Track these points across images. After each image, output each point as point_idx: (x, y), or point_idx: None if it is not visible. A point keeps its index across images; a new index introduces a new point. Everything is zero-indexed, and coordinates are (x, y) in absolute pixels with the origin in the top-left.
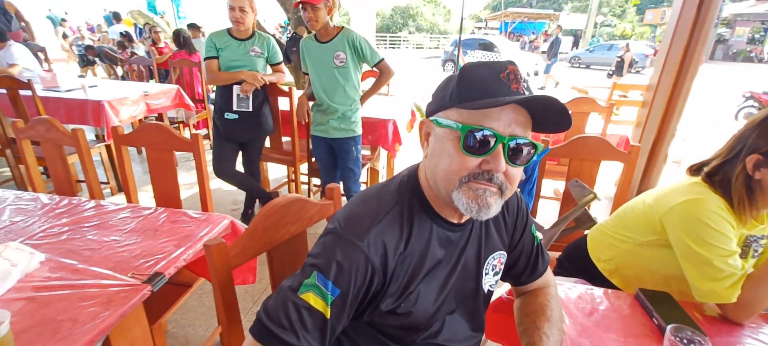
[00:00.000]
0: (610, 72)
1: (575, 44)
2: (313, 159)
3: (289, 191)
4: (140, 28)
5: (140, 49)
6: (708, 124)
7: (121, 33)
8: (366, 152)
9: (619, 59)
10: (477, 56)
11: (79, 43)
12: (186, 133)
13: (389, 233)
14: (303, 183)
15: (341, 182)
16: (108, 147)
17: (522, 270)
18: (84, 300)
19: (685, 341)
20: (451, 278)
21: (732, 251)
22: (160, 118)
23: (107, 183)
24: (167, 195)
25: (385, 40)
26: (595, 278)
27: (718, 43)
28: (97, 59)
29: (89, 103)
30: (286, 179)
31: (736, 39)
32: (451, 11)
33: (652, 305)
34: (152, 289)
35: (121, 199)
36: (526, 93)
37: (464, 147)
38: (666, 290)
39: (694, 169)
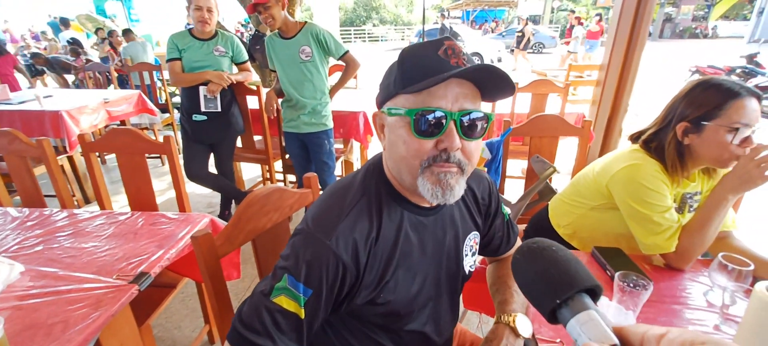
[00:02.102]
0: (512, 48)
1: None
2: (287, 156)
3: None
4: (89, 34)
5: (94, 56)
6: (658, 99)
7: (68, 40)
8: (339, 145)
9: (519, 34)
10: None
11: (24, 52)
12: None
13: (358, 227)
14: (278, 180)
15: (316, 176)
16: (70, 159)
17: (497, 246)
18: (72, 304)
19: (631, 284)
20: (429, 262)
21: (668, 206)
22: (122, 125)
23: (73, 196)
24: (142, 199)
25: (350, 34)
26: (558, 243)
27: (666, 22)
28: (45, 69)
29: (46, 114)
30: (261, 178)
31: (682, 17)
32: (414, 2)
33: (606, 260)
34: (139, 288)
35: (93, 209)
36: (468, 65)
37: (416, 131)
38: (618, 247)
39: (634, 138)
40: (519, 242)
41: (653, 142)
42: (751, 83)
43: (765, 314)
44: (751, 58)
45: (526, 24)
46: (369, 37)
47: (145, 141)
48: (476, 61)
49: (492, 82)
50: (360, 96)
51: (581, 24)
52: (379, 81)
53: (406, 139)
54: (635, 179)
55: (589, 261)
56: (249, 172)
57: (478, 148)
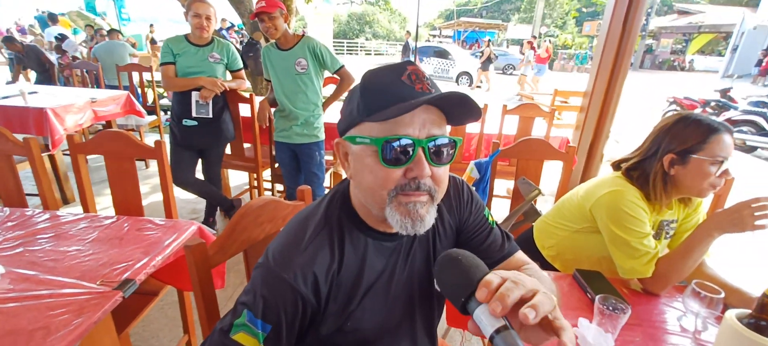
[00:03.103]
0: (479, 67)
1: (522, 53)
2: (277, 165)
3: (251, 198)
4: (76, 30)
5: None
6: (637, 126)
7: (56, 36)
8: (329, 157)
9: (481, 52)
10: (433, 63)
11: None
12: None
13: (319, 259)
14: (266, 189)
15: (310, 189)
16: (51, 157)
17: (486, 249)
18: (53, 309)
19: (610, 307)
20: (398, 286)
21: (647, 233)
22: (107, 126)
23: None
24: (128, 204)
25: (343, 47)
26: (541, 264)
27: (647, 54)
28: (21, 58)
29: (30, 111)
30: (248, 186)
31: (662, 49)
32: (407, 19)
33: (587, 282)
34: (124, 295)
35: (72, 210)
36: (433, 91)
37: (384, 160)
38: (598, 270)
39: (616, 165)
40: (522, 255)
41: (636, 171)
42: (723, 116)
43: (734, 340)
44: (724, 93)
45: (489, 45)
46: (362, 51)
47: (136, 146)
48: (465, 80)
49: (458, 108)
50: None
51: (533, 49)
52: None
53: (374, 169)
54: (617, 205)
55: (570, 283)
56: (236, 179)
57: (446, 173)
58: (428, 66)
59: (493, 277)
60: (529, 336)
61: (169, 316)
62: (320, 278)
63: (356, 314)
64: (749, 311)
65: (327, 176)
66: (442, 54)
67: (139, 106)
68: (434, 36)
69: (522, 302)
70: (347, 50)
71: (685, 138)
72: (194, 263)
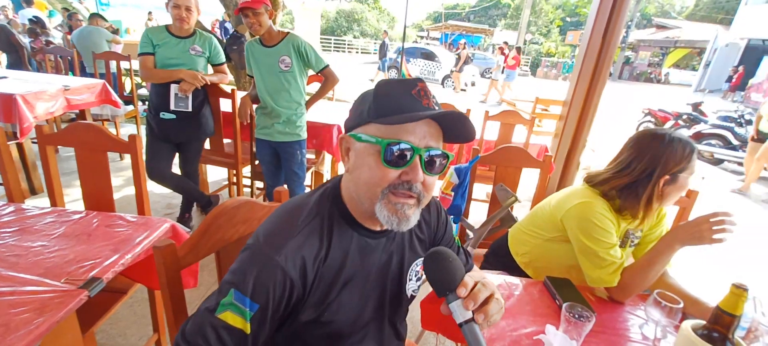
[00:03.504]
0: (453, 69)
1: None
2: (257, 162)
3: (230, 195)
4: (52, 12)
5: (57, 37)
6: (614, 136)
7: (31, 19)
8: (311, 156)
9: (457, 55)
10: (419, 65)
11: None
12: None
13: (308, 245)
14: (245, 186)
15: (286, 185)
16: (20, 146)
17: None
18: (14, 307)
19: (576, 315)
20: (373, 285)
21: (613, 243)
22: (81, 115)
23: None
24: (99, 198)
25: (330, 43)
26: (515, 270)
27: (625, 65)
28: None
29: None
30: (227, 182)
31: (640, 62)
32: (396, 19)
33: (556, 290)
34: (89, 294)
35: (40, 202)
36: (436, 108)
37: (384, 160)
38: (568, 277)
39: (590, 181)
40: (476, 269)
41: (624, 192)
42: (693, 129)
43: None
44: (695, 106)
45: (464, 47)
46: (350, 48)
47: (109, 138)
48: (450, 83)
49: (456, 128)
50: (337, 108)
51: (504, 55)
52: (350, 106)
53: (373, 166)
54: (586, 216)
55: (541, 290)
56: (214, 175)
57: (434, 182)
58: (415, 67)
59: (469, 280)
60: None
61: (138, 313)
62: (308, 263)
63: (333, 306)
64: (704, 322)
65: (308, 176)
66: (429, 56)
67: (115, 96)
68: (422, 37)
69: (485, 301)
70: (335, 47)
71: (677, 159)
72: (163, 264)
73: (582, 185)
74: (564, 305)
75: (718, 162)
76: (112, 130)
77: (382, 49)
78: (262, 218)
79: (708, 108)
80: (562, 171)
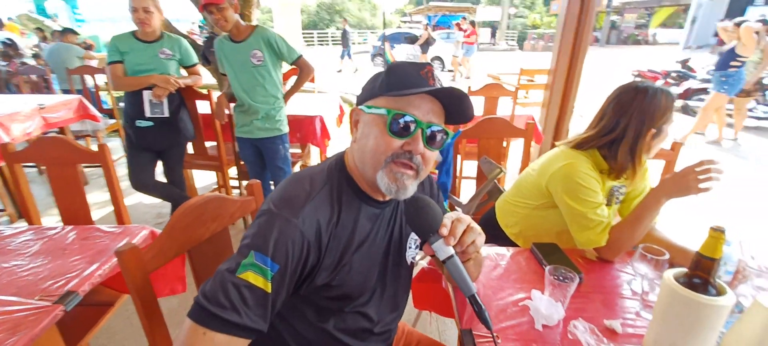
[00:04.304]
0: (417, 50)
1: (493, 35)
2: (241, 162)
3: None
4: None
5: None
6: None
7: (3, 41)
8: (296, 150)
9: (420, 37)
10: (405, 49)
11: None
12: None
13: (321, 210)
14: (234, 187)
15: (272, 182)
16: (0, 170)
17: None
18: None
19: (560, 277)
20: (379, 249)
21: (599, 203)
22: (61, 132)
23: (3, 210)
24: (75, 214)
25: (313, 38)
26: (505, 242)
27: (612, 29)
28: None
29: None
30: (216, 185)
31: (626, 25)
32: (377, 6)
33: (543, 255)
34: (65, 309)
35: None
36: (441, 86)
37: (390, 130)
38: (558, 243)
39: (575, 146)
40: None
41: (613, 150)
42: (683, 86)
43: (671, 298)
44: (684, 63)
45: (426, 29)
46: (332, 41)
47: (77, 151)
48: (438, 65)
49: (457, 107)
50: (318, 100)
51: (462, 30)
52: (355, 91)
53: (378, 135)
54: (571, 177)
55: (528, 257)
56: (202, 179)
57: (433, 157)
58: (400, 53)
59: (447, 219)
60: (468, 266)
61: (135, 325)
62: (322, 227)
63: (345, 269)
64: (686, 270)
65: (295, 170)
66: (413, 40)
67: (93, 110)
68: (405, 22)
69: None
70: (319, 41)
71: (662, 110)
72: (127, 269)
73: (562, 148)
74: (547, 268)
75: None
76: (95, 146)
77: (344, 38)
78: (234, 214)
79: (697, 64)
80: (553, 138)
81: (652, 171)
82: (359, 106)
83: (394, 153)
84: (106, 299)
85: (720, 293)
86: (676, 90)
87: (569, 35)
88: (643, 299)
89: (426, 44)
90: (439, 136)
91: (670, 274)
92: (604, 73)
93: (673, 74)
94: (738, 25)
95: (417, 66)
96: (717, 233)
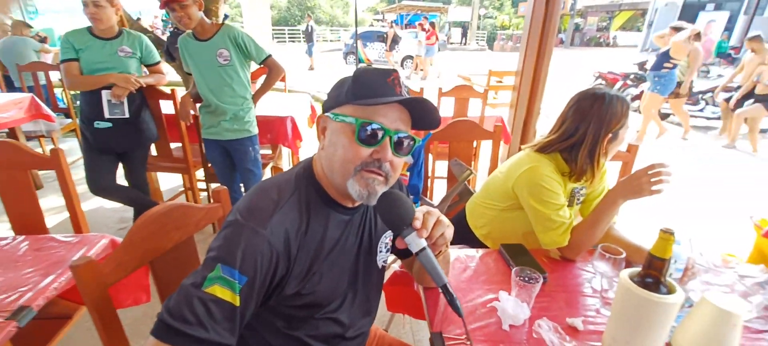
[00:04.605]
0: (384, 49)
1: (464, 35)
2: (209, 164)
3: (187, 200)
4: None
5: None
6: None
7: None
8: (267, 151)
9: (386, 36)
10: (377, 48)
11: None
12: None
13: (290, 220)
14: (202, 190)
15: (242, 185)
16: None
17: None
18: None
19: (526, 278)
20: (350, 255)
21: (562, 204)
22: (12, 133)
23: None
24: (28, 222)
25: (284, 34)
26: (475, 243)
27: (576, 32)
28: None
29: None
30: (182, 188)
31: (589, 27)
32: (349, 3)
33: (510, 256)
34: (18, 324)
35: None
36: (407, 95)
37: (358, 138)
38: (525, 244)
39: (539, 150)
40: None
41: (571, 154)
42: (641, 87)
43: (626, 297)
44: (641, 66)
45: (391, 26)
46: (303, 37)
47: (28, 155)
48: (409, 64)
49: (423, 115)
50: (289, 100)
51: (424, 30)
52: (327, 90)
53: (346, 144)
54: (535, 181)
55: (496, 258)
56: (168, 182)
57: (401, 163)
58: (372, 51)
59: (419, 212)
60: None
61: (96, 337)
62: (291, 236)
63: (315, 278)
64: (640, 269)
65: (267, 172)
66: (385, 38)
67: (46, 110)
68: (378, 20)
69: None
70: (290, 38)
71: (618, 117)
72: (83, 284)
73: (527, 151)
74: (514, 269)
75: (664, 116)
76: (51, 147)
77: (308, 34)
78: (199, 222)
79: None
80: (521, 139)
81: (610, 173)
82: (326, 114)
83: (363, 162)
84: (63, 311)
85: (670, 291)
86: (634, 91)
87: (535, 37)
88: (602, 297)
89: (393, 42)
90: (406, 143)
91: (625, 274)
92: (569, 73)
93: (632, 76)
94: (675, 29)
95: (383, 73)
96: (666, 235)
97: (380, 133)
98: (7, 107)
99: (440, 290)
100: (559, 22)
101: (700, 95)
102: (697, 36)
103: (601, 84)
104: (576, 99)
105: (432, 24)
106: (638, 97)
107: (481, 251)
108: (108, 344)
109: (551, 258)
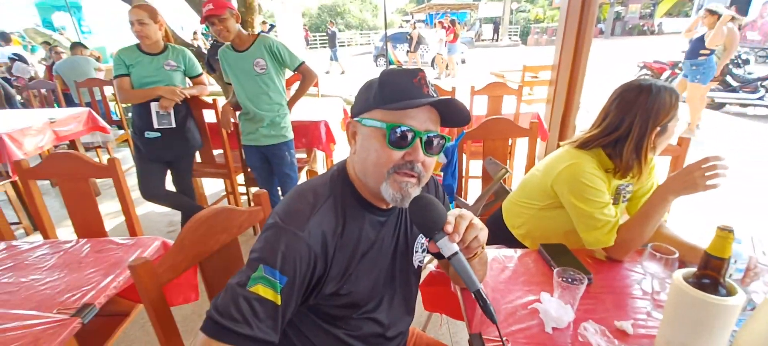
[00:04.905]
0: (408, 50)
1: (495, 31)
2: (249, 169)
3: (229, 204)
4: (34, 48)
5: (40, 71)
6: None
7: (10, 56)
8: (302, 155)
9: (409, 37)
10: (406, 47)
11: None
12: (106, 159)
13: (326, 222)
14: (242, 194)
15: (280, 188)
16: (14, 184)
17: None
18: (8, 344)
19: (568, 279)
20: (385, 256)
21: (606, 202)
22: (72, 145)
23: (19, 223)
24: (89, 226)
25: (316, 40)
26: (513, 243)
27: (616, 21)
28: None
29: None
30: (225, 192)
31: (631, 15)
32: (378, 6)
33: (551, 256)
34: (82, 321)
35: (37, 238)
36: (435, 95)
37: (389, 142)
38: (566, 244)
39: (579, 146)
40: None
41: (616, 150)
42: (679, 76)
43: (680, 299)
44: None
45: (415, 28)
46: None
47: (88, 165)
48: (457, 63)
49: (452, 113)
50: (322, 104)
51: (445, 29)
52: (355, 94)
53: (378, 149)
54: (576, 178)
55: (536, 258)
56: (211, 187)
57: (433, 163)
58: (402, 53)
59: (451, 217)
60: (474, 265)
61: (150, 334)
62: (328, 238)
63: (353, 277)
64: (695, 269)
65: (302, 176)
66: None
67: (102, 122)
68: (407, 21)
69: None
70: (321, 44)
71: (667, 109)
72: (141, 283)
73: (567, 148)
74: (555, 270)
75: (719, 106)
76: (107, 157)
77: (331, 40)
78: (242, 224)
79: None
80: (559, 135)
81: (659, 167)
82: (355, 119)
83: (395, 165)
84: (121, 309)
85: (730, 292)
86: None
87: (572, 28)
88: (653, 299)
89: (417, 43)
90: (436, 142)
91: (679, 274)
92: (610, 65)
93: (680, 64)
94: (710, 12)
95: (409, 73)
96: (724, 233)
97: (410, 135)
98: (68, 121)
99: (473, 296)
100: (597, 11)
101: (759, 82)
102: (732, 19)
103: (646, 75)
104: (619, 91)
105: (452, 22)
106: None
107: (519, 251)
108: (163, 340)
109: (595, 258)
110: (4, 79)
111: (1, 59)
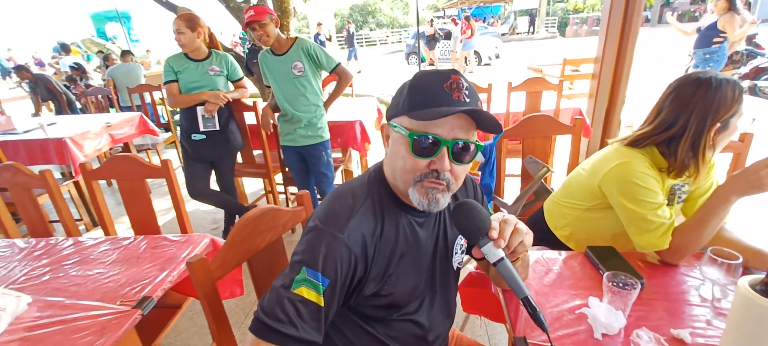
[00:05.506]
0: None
1: (531, 23)
2: (287, 169)
3: (268, 202)
4: (89, 56)
5: (96, 79)
6: (659, 87)
7: (70, 66)
8: (337, 155)
9: (429, 35)
10: (439, 46)
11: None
12: (155, 160)
13: (365, 224)
14: (280, 193)
15: (316, 187)
16: (76, 183)
17: None
18: (78, 332)
19: (620, 284)
20: (425, 256)
21: (660, 203)
22: (125, 147)
23: (80, 220)
24: (144, 223)
25: (342, 39)
26: (555, 245)
27: (664, 7)
28: (35, 86)
29: (50, 142)
30: (263, 191)
31: (681, 1)
32: (409, 4)
33: (599, 259)
34: (142, 312)
35: (97, 233)
36: (467, 99)
37: (414, 151)
38: (614, 246)
39: (630, 144)
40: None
41: (671, 148)
42: (751, 65)
43: (746, 308)
44: (750, 40)
45: (431, 25)
46: (366, 42)
47: (144, 166)
48: (474, 59)
49: (483, 122)
50: (357, 104)
51: (457, 25)
52: (391, 93)
53: (404, 155)
54: (627, 178)
55: (582, 261)
56: (251, 186)
57: (465, 171)
58: (437, 50)
59: (495, 222)
60: (517, 267)
61: (198, 325)
62: (368, 239)
63: (392, 278)
64: (763, 276)
65: (337, 175)
66: (448, 36)
67: (152, 126)
68: (439, 17)
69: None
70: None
71: (728, 104)
72: (197, 278)
73: (616, 146)
74: (605, 274)
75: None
76: (155, 158)
77: (349, 39)
78: (286, 224)
79: (764, 40)
80: (603, 131)
81: (719, 166)
82: (388, 122)
83: (421, 173)
84: (173, 302)
85: None
86: (742, 70)
87: (617, 17)
88: (714, 307)
89: (433, 40)
90: (467, 150)
91: (745, 281)
92: (658, 55)
93: (738, 53)
94: None
95: (440, 77)
96: None
97: (436, 144)
98: (122, 125)
99: (521, 303)
100: None
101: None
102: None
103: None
104: (675, 85)
105: (467, 18)
106: (748, 76)
107: (564, 253)
108: (215, 331)
109: (647, 262)
110: (65, 86)
111: (62, 68)
